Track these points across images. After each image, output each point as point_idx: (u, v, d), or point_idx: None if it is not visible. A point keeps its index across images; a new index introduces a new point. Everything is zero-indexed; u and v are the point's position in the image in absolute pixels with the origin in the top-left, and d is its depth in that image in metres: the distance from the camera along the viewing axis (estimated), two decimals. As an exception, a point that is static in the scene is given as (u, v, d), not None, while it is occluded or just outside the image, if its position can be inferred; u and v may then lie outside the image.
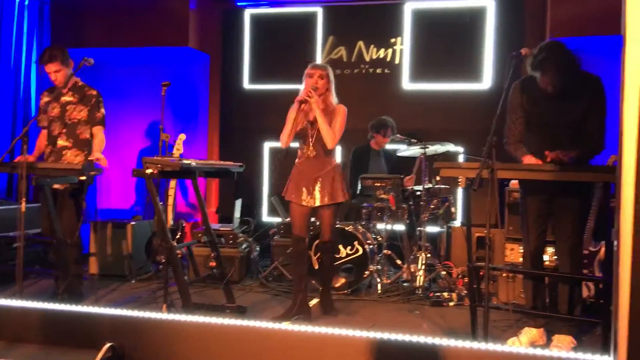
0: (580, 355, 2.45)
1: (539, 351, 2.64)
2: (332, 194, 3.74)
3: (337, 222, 4.15)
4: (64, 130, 4.10)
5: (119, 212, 6.27)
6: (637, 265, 1.87)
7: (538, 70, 3.11)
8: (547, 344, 3.31)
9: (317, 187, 3.75)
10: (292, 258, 3.94)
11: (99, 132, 4.13)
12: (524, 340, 3.27)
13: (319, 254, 4.52)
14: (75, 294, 4.08)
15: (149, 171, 3.43)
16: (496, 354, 2.55)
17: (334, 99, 3.84)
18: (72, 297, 3.98)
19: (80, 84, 4.17)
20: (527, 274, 3.47)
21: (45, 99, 4.21)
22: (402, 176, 4.87)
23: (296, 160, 3.88)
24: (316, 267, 4.54)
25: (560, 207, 3.28)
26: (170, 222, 4.98)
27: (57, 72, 4.04)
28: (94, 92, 4.15)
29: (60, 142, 4.10)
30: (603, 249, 3.89)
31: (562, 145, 3.16)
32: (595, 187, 3.40)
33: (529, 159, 3.21)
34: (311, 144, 3.76)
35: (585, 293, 3.84)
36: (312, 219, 4.61)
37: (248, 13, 6.22)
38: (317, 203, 3.75)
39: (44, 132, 4.22)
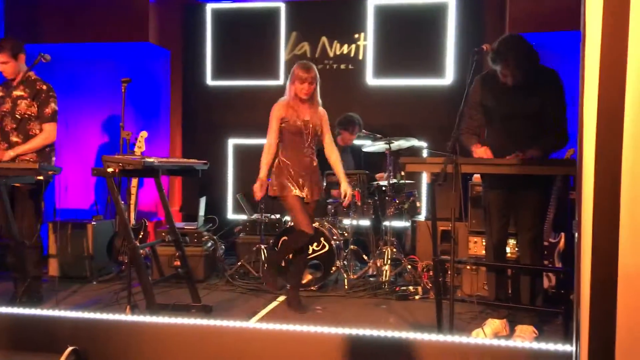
0: (542, 344, 2.51)
1: (502, 342, 2.70)
2: (318, 190, 3.95)
3: None
4: (14, 126, 3.97)
5: (79, 211, 6.12)
6: (597, 255, 1.92)
7: (498, 63, 3.16)
8: (510, 334, 3.38)
9: (308, 184, 3.85)
10: (296, 253, 3.98)
11: (49, 128, 4.00)
12: (487, 331, 3.33)
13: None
14: (35, 297, 3.96)
15: (110, 170, 3.35)
16: (461, 346, 2.60)
17: (319, 98, 3.93)
18: (31, 301, 3.87)
19: (33, 78, 4.03)
20: (491, 267, 3.53)
21: None
22: (367, 172, 4.89)
23: (283, 159, 3.88)
24: (283, 264, 4.52)
25: (522, 199, 3.34)
26: (133, 221, 4.89)
27: (4, 63, 3.92)
28: (44, 87, 4.01)
29: (12, 138, 3.97)
30: (563, 240, 3.99)
31: (521, 138, 3.23)
32: (555, 180, 3.48)
33: (479, 151, 3.26)
34: (306, 144, 3.85)
35: (546, 284, 3.93)
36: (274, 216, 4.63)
37: (209, 8, 6.14)
38: (308, 199, 3.86)
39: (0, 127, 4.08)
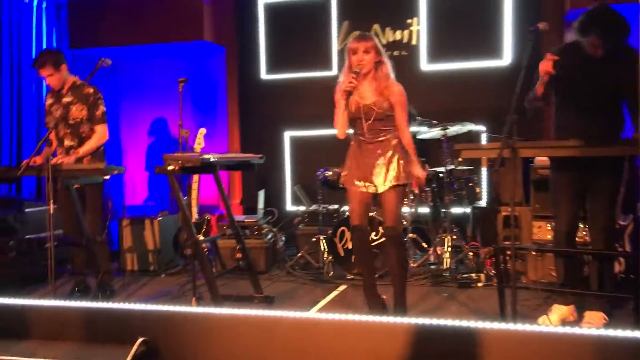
0: (610, 331, 2.41)
1: (569, 329, 2.61)
2: (394, 175, 3.36)
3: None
4: (69, 131, 4.13)
5: (146, 207, 6.36)
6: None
7: (590, 32, 3.05)
8: (578, 321, 3.27)
9: (374, 172, 3.38)
10: (355, 251, 3.61)
11: (101, 129, 4.14)
12: (554, 319, 3.24)
13: (344, 241, 4.53)
14: (108, 290, 4.17)
15: (170, 168, 3.46)
16: (525, 334, 2.53)
17: (390, 72, 3.41)
18: (104, 294, 4.07)
19: (78, 82, 4.16)
20: (554, 253, 3.42)
21: (49, 100, 4.25)
22: (424, 159, 4.83)
23: (352, 144, 3.52)
24: (342, 254, 4.55)
25: (593, 183, 3.20)
26: (195, 216, 5.04)
27: (50, 76, 4.06)
28: (91, 90, 4.13)
29: (67, 142, 4.15)
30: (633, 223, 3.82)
31: (593, 116, 3.10)
32: (625, 161, 3.32)
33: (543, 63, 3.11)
34: (365, 128, 3.38)
35: (616, 268, 3.77)
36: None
37: (261, 2, 6.19)
38: (379, 189, 3.39)
39: (54, 132, 4.28)
